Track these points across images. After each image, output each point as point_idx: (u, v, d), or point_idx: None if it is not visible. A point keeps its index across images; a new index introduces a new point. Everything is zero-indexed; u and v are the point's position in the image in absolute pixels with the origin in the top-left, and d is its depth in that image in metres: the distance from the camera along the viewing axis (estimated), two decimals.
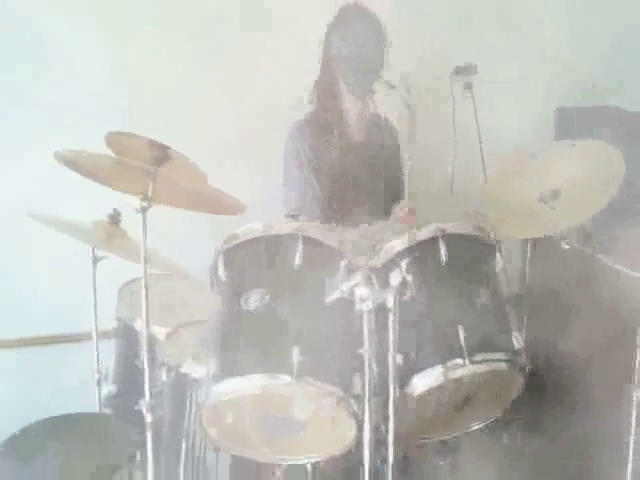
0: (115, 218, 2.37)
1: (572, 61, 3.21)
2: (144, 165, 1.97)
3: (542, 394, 2.66)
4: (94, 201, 2.17)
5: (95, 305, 2.53)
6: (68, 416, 2.31)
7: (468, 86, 3.04)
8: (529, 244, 2.62)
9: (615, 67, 3.31)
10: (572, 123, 3.23)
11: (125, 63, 2.79)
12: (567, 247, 2.11)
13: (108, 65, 2.79)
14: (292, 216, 2.44)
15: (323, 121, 2.57)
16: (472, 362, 1.83)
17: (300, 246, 1.86)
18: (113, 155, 2.00)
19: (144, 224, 1.99)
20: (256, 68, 2.92)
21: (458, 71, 3.04)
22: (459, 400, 1.99)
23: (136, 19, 2.83)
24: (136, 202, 1.97)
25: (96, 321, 2.55)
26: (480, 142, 3.00)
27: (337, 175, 2.53)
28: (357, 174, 2.55)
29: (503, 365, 1.90)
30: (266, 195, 2.63)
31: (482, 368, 1.85)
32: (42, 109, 2.74)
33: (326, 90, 2.57)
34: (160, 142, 1.97)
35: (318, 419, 1.87)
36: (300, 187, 2.55)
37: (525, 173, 2.24)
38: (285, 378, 1.72)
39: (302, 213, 2.43)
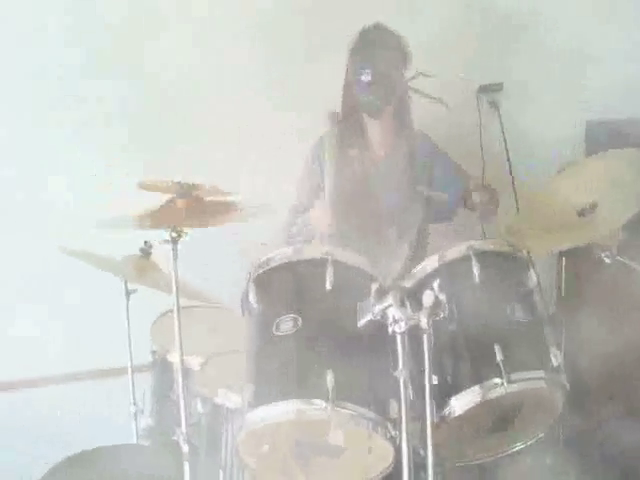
0: (146, 251, 2.38)
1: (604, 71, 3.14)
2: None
3: (584, 411, 2.60)
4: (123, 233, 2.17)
5: (129, 339, 2.54)
6: (107, 448, 2.31)
7: (493, 105, 3.02)
8: (563, 259, 2.58)
9: None
10: (603, 136, 3.18)
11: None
12: (608, 260, 2.06)
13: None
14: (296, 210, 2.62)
15: (346, 136, 2.64)
16: (510, 381, 1.79)
17: (330, 270, 1.85)
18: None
19: (175, 255, 2.00)
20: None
21: (482, 89, 3.02)
22: (499, 420, 1.95)
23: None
24: (166, 233, 1.99)
25: (131, 354, 2.56)
26: (508, 159, 2.97)
27: (356, 189, 2.60)
28: (378, 191, 2.60)
29: (542, 383, 1.86)
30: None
31: (520, 387, 1.81)
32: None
33: (347, 110, 2.64)
34: (188, 182, 1.97)
35: (355, 444, 1.84)
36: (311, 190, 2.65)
37: (560, 189, 2.20)
38: (320, 403, 1.70)
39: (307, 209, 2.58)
